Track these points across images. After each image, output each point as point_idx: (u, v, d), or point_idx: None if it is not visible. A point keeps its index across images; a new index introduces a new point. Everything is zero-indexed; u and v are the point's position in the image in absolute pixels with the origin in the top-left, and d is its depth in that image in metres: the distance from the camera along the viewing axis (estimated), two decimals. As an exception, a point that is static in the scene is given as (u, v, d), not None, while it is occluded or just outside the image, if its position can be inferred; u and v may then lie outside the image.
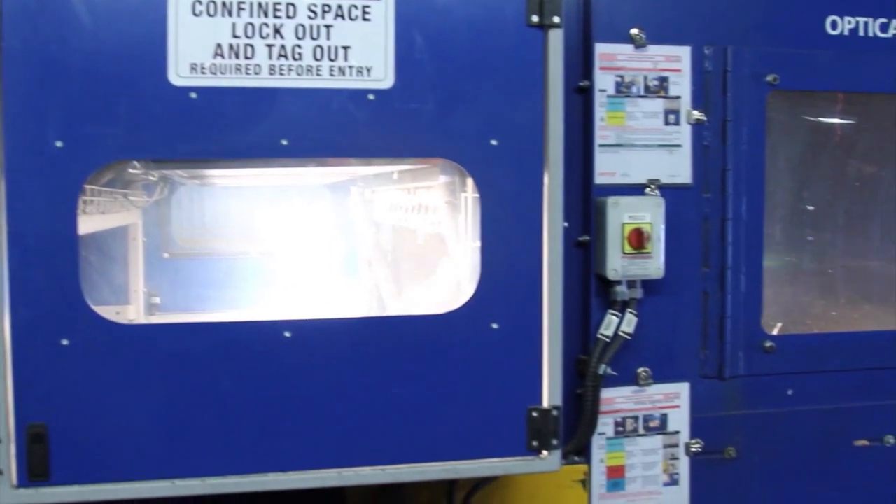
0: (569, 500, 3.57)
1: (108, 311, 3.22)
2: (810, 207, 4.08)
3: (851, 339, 3.94)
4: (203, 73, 2.80)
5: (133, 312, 4.44)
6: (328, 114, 2.87)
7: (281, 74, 2.85)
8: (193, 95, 2.80)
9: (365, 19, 2.88)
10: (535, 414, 3.03)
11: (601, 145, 3.53)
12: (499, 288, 2.98)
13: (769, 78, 3.70)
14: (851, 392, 3.91)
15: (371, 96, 2.88)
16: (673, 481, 3.73)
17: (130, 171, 3.61)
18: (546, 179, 2.99)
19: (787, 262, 3.99)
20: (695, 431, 3.73)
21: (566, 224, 3.10)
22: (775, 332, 3.84)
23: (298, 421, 2.90)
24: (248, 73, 2.83)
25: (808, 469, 3.89)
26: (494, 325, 2.98)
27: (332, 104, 2.87)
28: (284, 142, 2.84)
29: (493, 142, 2.95)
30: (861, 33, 3.84)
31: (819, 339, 3.92)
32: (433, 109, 2.91)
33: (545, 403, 3.04)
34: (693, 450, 3.72)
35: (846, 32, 3.82)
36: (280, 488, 2.90)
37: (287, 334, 2.88)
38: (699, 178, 3.65)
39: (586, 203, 3.55)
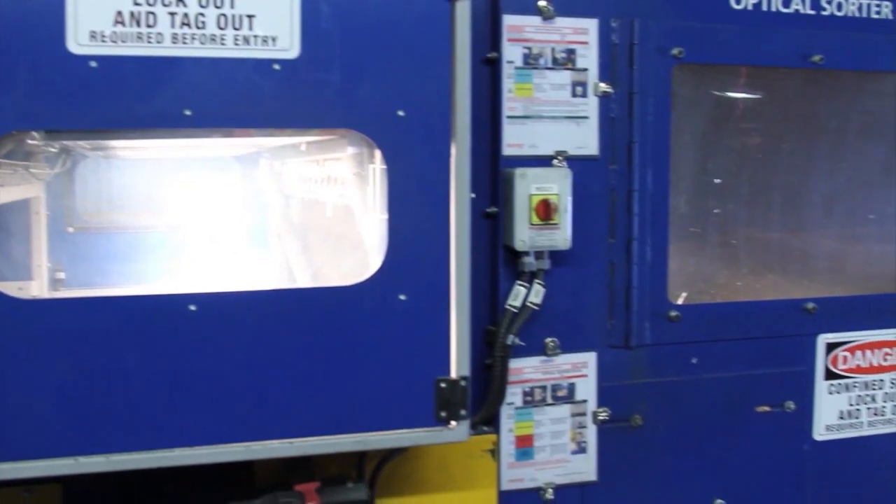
0: (478, 469, 3.59)
1: (9, 287, 3.15)
2: (717, 181, 4.15)
3: (753, 307, 4.03)
4: (103, 41, 2.74)
5: (36, 288, 4.33)
6: (232, 84, 2.82)
7: (184, 43, 2.80)
8: (93, 64, 2.73)
9: (270, -12, 2.84)
10: (443, 385, 3.05)
11: (509, 117, 3.54)
12: (406, 259, 2.98)
13: (675, 51, 3.74)
14: (753, 359, 4.00)
15: (276, 66, 2.85)
16: (581, 449, 3.78)
17: (30, 142, 3.51)
18: (453, 151, 2.99)
19: (692, 233, 4.05)
20: (602, 400, 3.78)
21: (474, 195, 3.10)
22: (680, 301, 3.90)
23: (205, 395, 2.87)
24: (149, 42, 2.77)
25: (712, 435, 3.98)
26: (402, 297, 2.98)
27: (237, 74, 2.82)
28: (188, 112, 2.79)
29: (400, 113, 2.94)
30: (764, 8, 3.91)
31: (722, 308, 4.00)
32: (339, 80, 2.88)
33: (453, 374, 3.05)
34: (600, 418, 3.77)
35: (750, 7, 3.88)
36: (186, 463, 2.87)
37: (192, 308, 2.84)
38: (606, 150, 3.68)
39: (494, 174, 3.56)
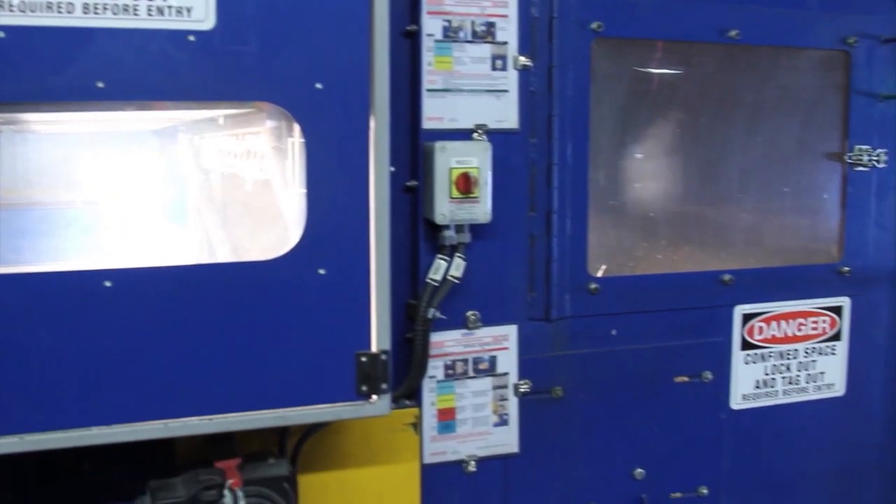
0: (400, 443, 3.60)
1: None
2: (638, 155, 4.18)
3: (672, 280, 4.09)
4: (11, 10, 2.65)
5: (-53, 265, 4.24)
6: (146, 55, 2.76)
7: (95, 13, 2.72)
8: (1, 35, 2.66)
9: (183, -43, 2.79)
10: (363, 359, 3.04)
11: (429, 90, 3.53)
12: (325, 234, 2.96)
13: (594, 25, 3.77)
14: (672, 331, 4.07)
15: (191, 37, 2.79)
16: (503, 422, 3.81)
17: (-65, 116, 3.43)
18: (372, 124, 2.96)
19: (611, 206, 4.09)
20: (523, 372, 3.81)
21: (393, 169, 3.09)
22: (600, 274, 3.94)
23: (121, 372, 2.82)
24: (59, 12, 2.70)
25: (631, 405, 4.04)
26: (322, 271, 2.96)
27: (151, 45, 2.76)
28: (100, 84, 2.73)
29: (318, 85, 2.91)
30: (682, -18, 3.94)
31: (641, 280, 4.06)
32: (256, 52, 2.84)
33: (374, 348, 3.04)
34: (522, 390, 3.80)
35: (669, -19, 3.92)
36: (103, 442, 2.82)
37: (107, 284, 2.79)
38: (526, 123, 3.69)
39: (414, 148, 3.55)
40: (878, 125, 4.39)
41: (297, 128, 2.99)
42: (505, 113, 3.64)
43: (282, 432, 3.39)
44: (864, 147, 4.36)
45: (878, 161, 4.38)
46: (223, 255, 4.18)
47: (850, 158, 4.36)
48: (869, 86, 4.34)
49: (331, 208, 2.96)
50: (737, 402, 4.26)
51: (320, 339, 3.00)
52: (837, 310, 4.43)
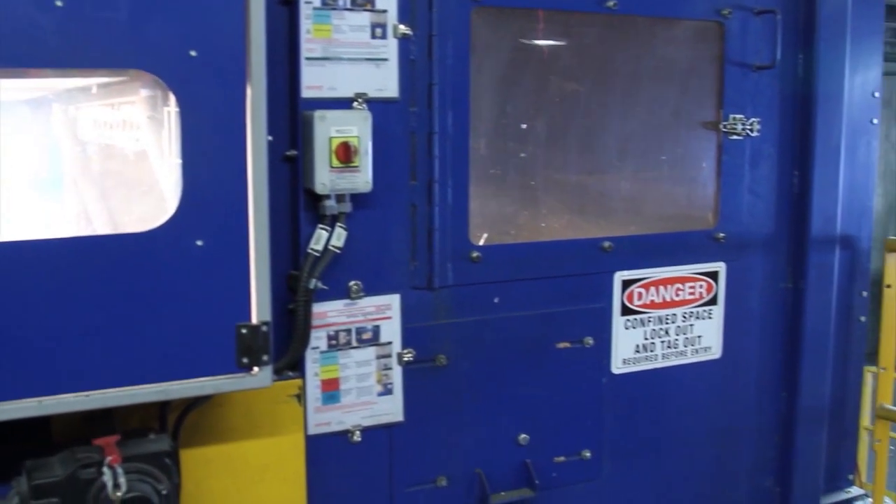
0: (284, 415, 3.58)
1: None
2: (520, 125, 4.21)
3: (553, 247, 4.14)
4: None
5: None
6: (11, 21, 2.66)
7: (-43, -23, 2.63)
8: None
9: (48, -81, 2.70)
10: (244, 330, 3.01)
11: (307, 59, 3.49)
12: (202, 204, 2.91)
13: (473, -6, 3.77)
14: (553, 297, 4.12)
15: (59, 2, 2.70)
16: (387, 391, 3.81)
17: None
18: (249, 92, 2.92)
19: (492, 175, 4.11)
20: (407, 341, 3.82)
21: (271, 138, 3.06)
22: (482, 242, 3.96)
23: (-9, 349, 2.75)
24: (-83, -24, 2.60)
25: (515, 372, 4.08)
26: (199, 242, 2.92)
27: (16, 10, 2.67)
28: (-36, 51, 2.64)
29: (192, 53, 2.85)
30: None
31: (523, 248, 4.09)
32: (127, 17, 2.76)
33: (254, 319, 3.02)
34: (405, 359, 3.81)
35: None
36: (-27, 421, 2.76)
37: (-24, 258, 2.71)
38: (406, 92, 3.68)
39: (293, 117, 3.51)
40: (751, 95, 4.50)
41: (171, 97, 2.93)
42: (385, 82, 3.62)
43: (162, 407, 3.33)
44: (738, 116, 4.47)
45: (751, 130, 4.49)
46: (100, 228, 4.09)
47: (724, 127, 4.46)
48: (742, 56, 4.43)
49: (207, 178, 2.91)
50: (617, 367, 4.34)
51: (199, 311, 2.96)
52: (714, 275, 4.54)
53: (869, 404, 6.57)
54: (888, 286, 5.28)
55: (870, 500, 5.69)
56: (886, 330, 5.36)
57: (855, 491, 5.19)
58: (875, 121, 4.86)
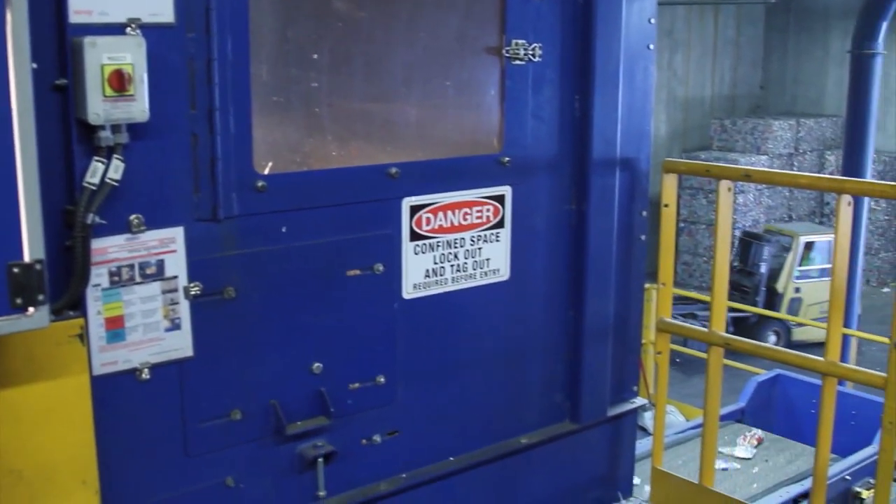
0: (67, 356, 3.43)
1: None
2: (303, 51, 4.13)
3: (340, 174, 4.12)
4: None
5: None
6: None
7: None
8: None
9: None
10: (16, 269, 2.87)
11: (75, -19, 3.30)
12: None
13: (250, -85, 3.65)
14: (342, 225, 4.10)
15: None
16: (175, 326, 3.73)
17: None
18: (9, 16, 2.74)
19: (276, 102, 4.03)
20: (193, 275, 3.73)
21: (36, 66, 2.89)
22: (267, 171, 3.89)
23: None
24: None
25: (306, 301, 4.06)
26: (-39, 178, 2.76)
27: None
28: None
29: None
30: None
31: (309, 176, 4.06)
32: None
33: (27, 258, 2.88)
34: (192, 293, 3.73)
35: None
36: None
37: None
38: (182, 17, 3.52)
39: (62, 44, 3.30)
40: (532, 20, 4.57)
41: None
42: (159, 6, 3.46)
43: (-69, 354, 3.16)
44: (520, 41, 4.53)
45: (533, 55, 4.57)
46: None
47: (507, 53, 4.51)
48: (524, -19, 4.49)
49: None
50: (408, 292, 4.39)
51: (-34, 251, 2.81)
52: (500, 198, 4.63)
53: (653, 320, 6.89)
54: (666, 206, 5.51)
55: (652, 408, 6.02)
56: (665, 247, 5.61)
57: (639, 401, 5.45)
58: (651, 46, 5.02)
